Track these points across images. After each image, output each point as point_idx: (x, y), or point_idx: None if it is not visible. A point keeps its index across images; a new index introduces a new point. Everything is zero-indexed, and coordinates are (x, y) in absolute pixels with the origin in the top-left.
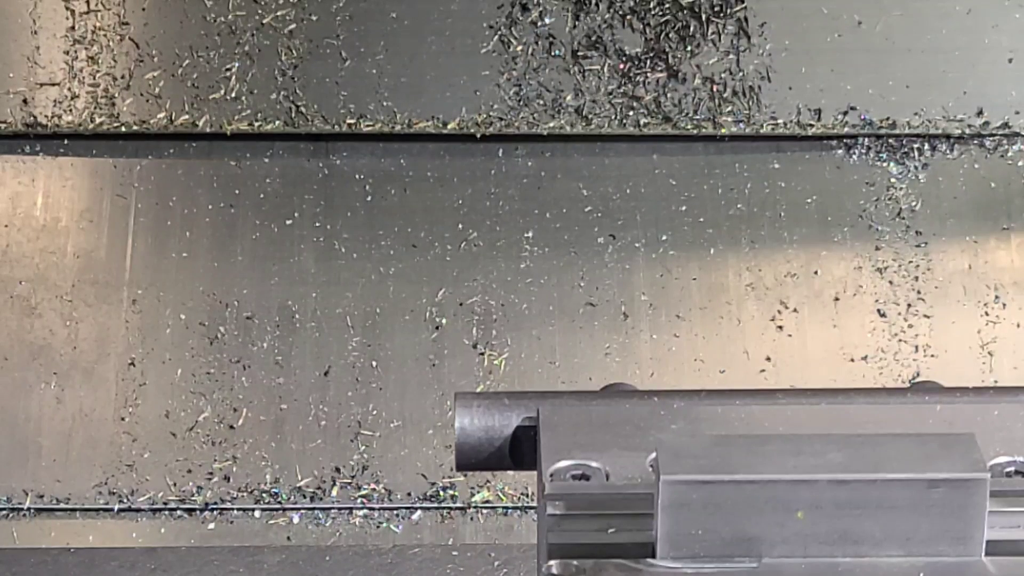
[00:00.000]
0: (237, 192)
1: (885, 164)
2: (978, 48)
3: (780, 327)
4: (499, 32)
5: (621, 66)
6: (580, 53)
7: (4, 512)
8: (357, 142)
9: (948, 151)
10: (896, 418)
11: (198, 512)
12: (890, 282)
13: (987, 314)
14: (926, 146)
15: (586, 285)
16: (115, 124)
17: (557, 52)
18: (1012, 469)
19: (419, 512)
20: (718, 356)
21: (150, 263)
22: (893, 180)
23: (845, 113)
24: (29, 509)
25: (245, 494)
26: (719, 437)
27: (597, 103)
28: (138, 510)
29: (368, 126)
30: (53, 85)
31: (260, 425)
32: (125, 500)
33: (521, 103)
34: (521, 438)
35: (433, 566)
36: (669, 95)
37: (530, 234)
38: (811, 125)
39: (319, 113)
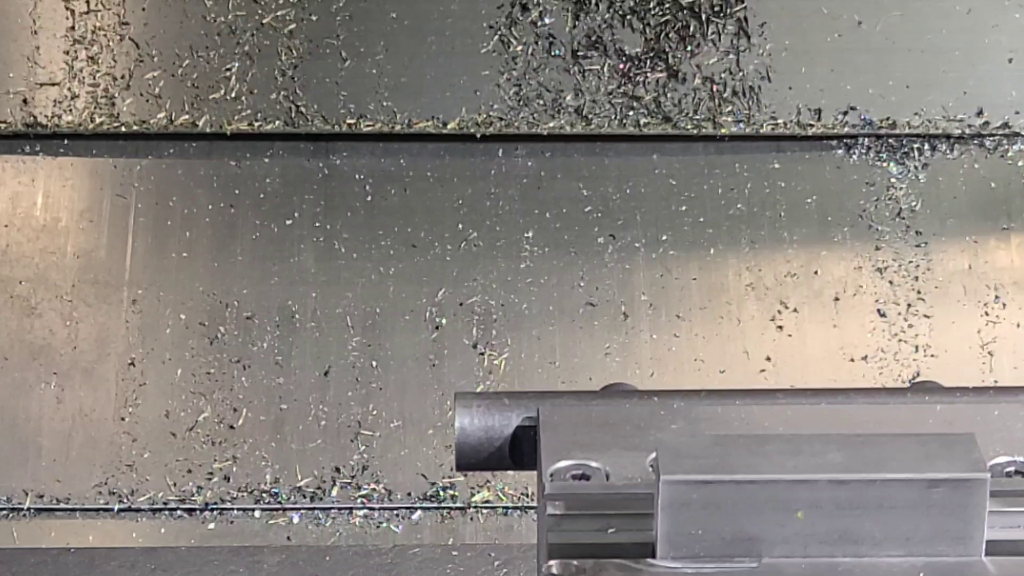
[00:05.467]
0: (237, 192)
1: (885, 164)
2: (978, 48)
3: (780, 327)
4: (499, 32)
5: (621, 66)
6: (580, 53)
7: (4, 512)
8: (357, 142)
9: (948, 151)
10: (896, 418)
11: (198, 512)
12: (890, 282)
13: (987, 314)
14: (926, 146)
15: (586, 285)
16: (115, 124)
17: (557, 52)
18: (1012, 469)
19: (419, 512)
20: (718, 356)
21: (150, 263)
22: (893, 180)
23: (845, 113)
24: (29, 509)
25: (245, 494)
26: (719, 437)
27: (597, 103)
28: (138, 510)
29: (368, 126)
30: (53, 85)
31: (260, 425)
32: (125, 500)
33: (521, 103)
34: (521, 438)
35: (433, 566)
36: (669, 95)
37: (530, 234)
38: (811, 125)
39: (319, 113)
